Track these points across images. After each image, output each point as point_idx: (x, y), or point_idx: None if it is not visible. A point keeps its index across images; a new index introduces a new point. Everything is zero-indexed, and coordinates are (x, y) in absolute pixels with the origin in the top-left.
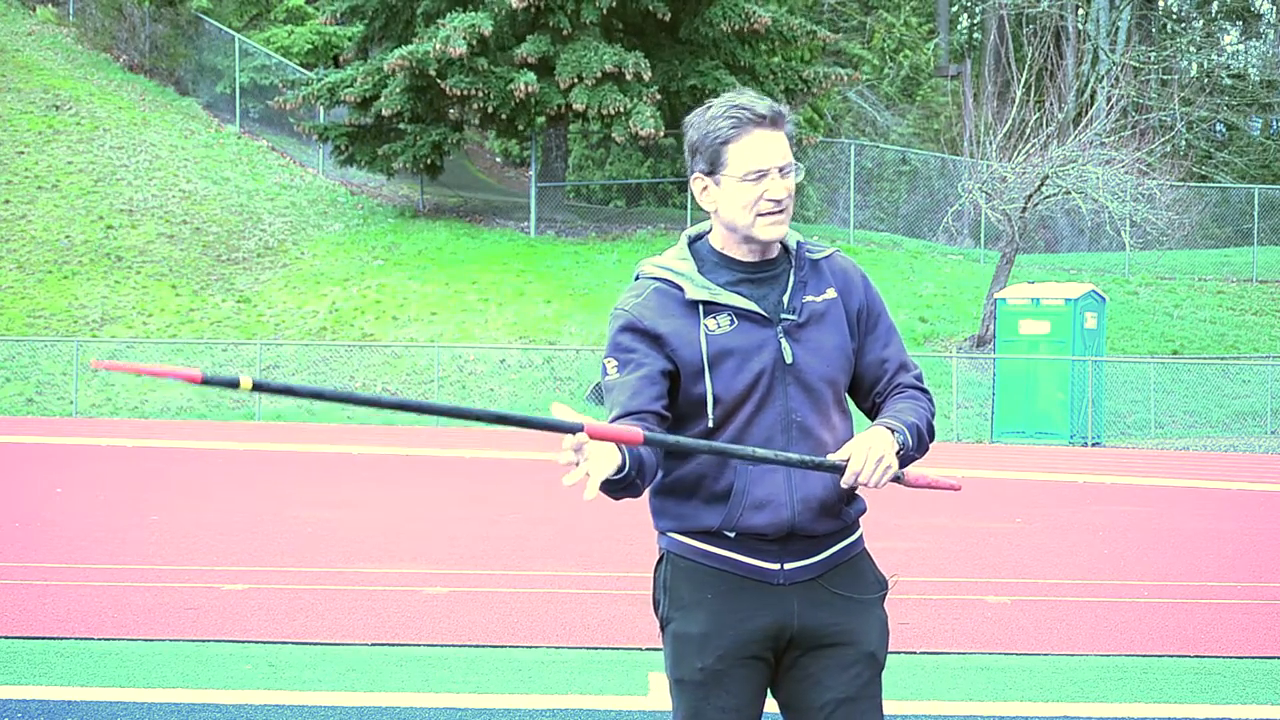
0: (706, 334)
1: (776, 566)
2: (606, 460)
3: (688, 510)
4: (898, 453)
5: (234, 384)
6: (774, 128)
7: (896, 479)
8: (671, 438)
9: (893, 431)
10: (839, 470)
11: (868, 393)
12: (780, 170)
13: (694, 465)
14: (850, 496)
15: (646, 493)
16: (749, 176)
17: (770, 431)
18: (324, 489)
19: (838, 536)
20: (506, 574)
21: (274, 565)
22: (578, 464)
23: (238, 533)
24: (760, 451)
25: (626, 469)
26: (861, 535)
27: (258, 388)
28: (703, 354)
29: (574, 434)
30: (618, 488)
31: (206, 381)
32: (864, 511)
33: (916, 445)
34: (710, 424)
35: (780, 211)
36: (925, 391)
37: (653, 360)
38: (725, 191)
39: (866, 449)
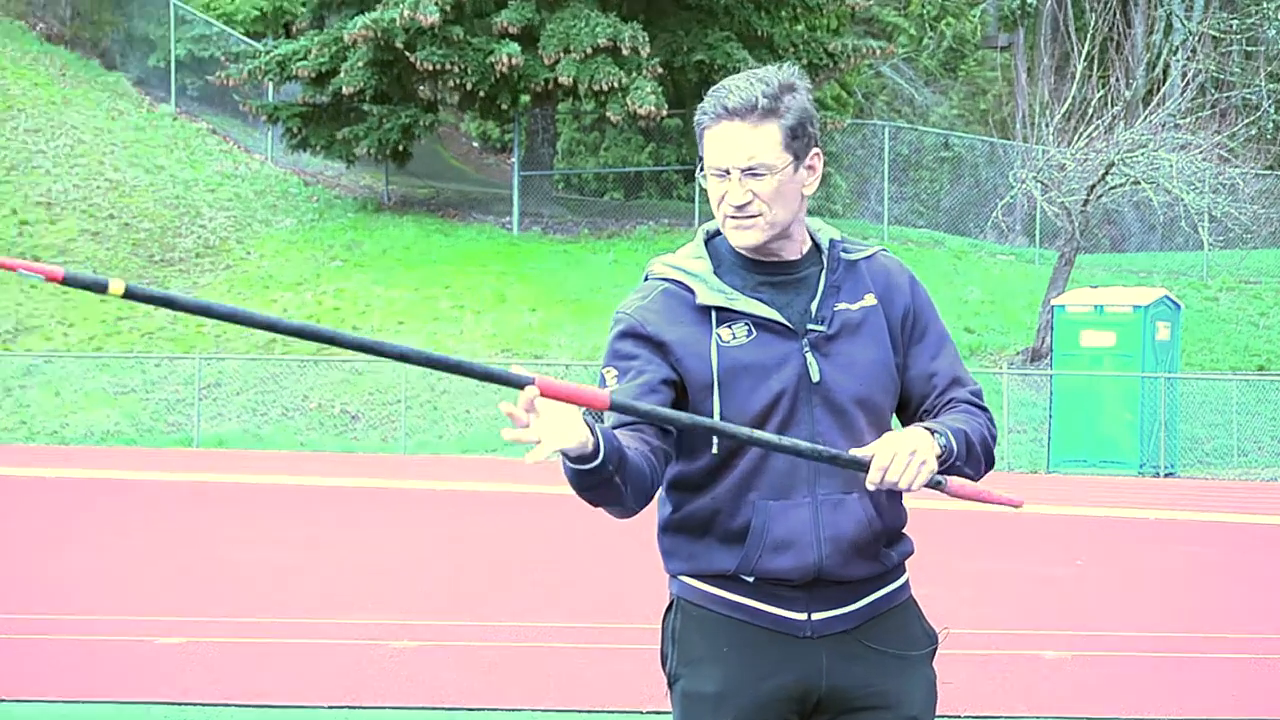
0: (719, 345)
1: (803, 617)
2: (566, 430)
3: (700, 550)
4: (939, 457)
5: (101, 287)
6: (747, 120)
7: (936, 485)
8: (644, 405)
9: (933, 433)
10: (862, 467)
11: (914, 412)
12: (745, 172)
13: (707, 500)
14: (892, 536)
15: (656, 531)
16: (714, 172)
17: (793, 463)
18: (274, 527)
19: (877, 582)
20: (485, 625)
21: (216, 615)
22: (528, 426)
23: (174, 577)
24: (759, 434)
25: (600, 456)
26: (907, 581)
27: (130, 294)
28: (712, 368)
29: (523, 388)
30: (591, 482)
31: (68, 280)
32: (910, 554)
33: (964, 456)
34: (715, 451)
35: (746, 218)
36: (984, 409)
37: (655, 368)
38: (708, 184)
39: (896, 443)
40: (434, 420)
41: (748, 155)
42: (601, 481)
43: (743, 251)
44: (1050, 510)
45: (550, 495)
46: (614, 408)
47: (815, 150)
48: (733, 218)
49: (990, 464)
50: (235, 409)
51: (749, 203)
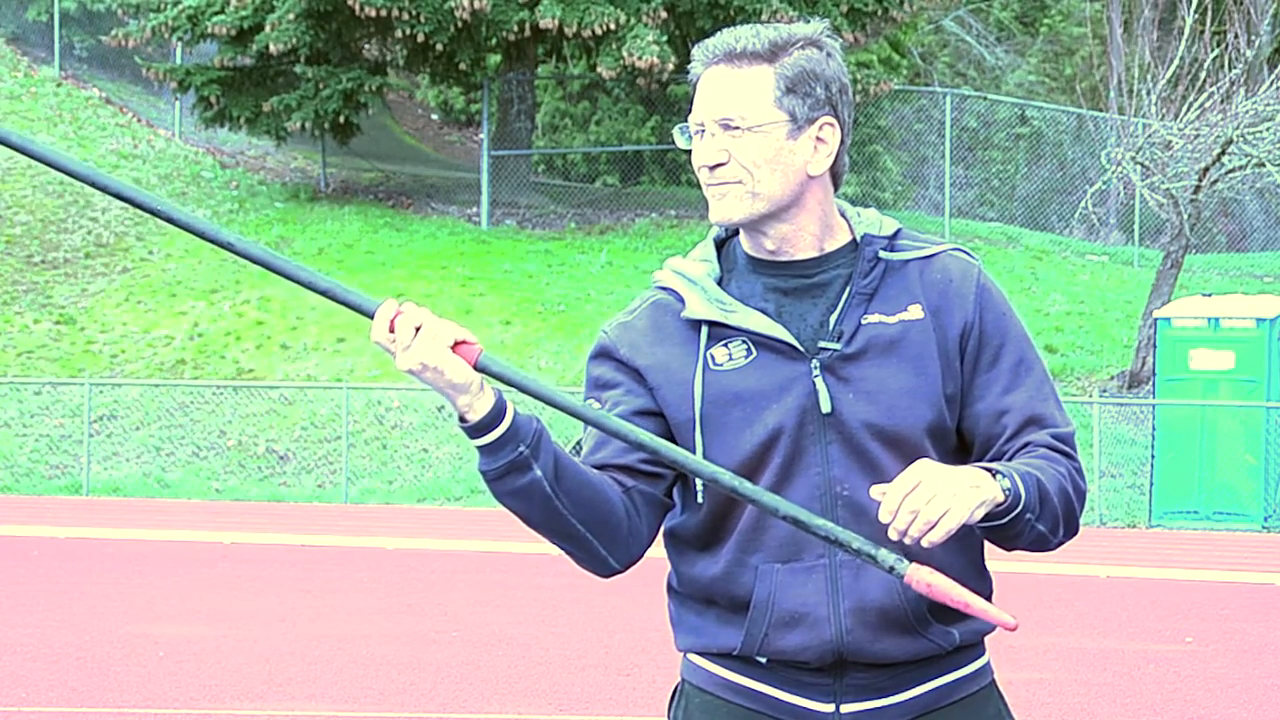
0: (706, 369)
1: (828, 708)
2: (448, 356)
3: (706, 624)
4: (1002, 507)
5: None
6: (732, 64)
7: (891, 570)
8: (521, 375)
9: (994, 474)
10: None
11: (977, 459)
12: (720, 124)
13: (707, 561)
14: (950, 608)
15: (666, 598)
16: (694, 130)
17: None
18: (183, 594)
19: (932, 667)
20: (446, 717)
21: (110, 703)
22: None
23: (60, 657)
24: (725, 476)
25: (505, 423)
26: (986, 667)
27: None
28: (694, 398)
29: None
30: (501, 468)
31: None
32: (988, 631)
33: (1037, 508)
34: (700, 500)
35: (718, 184)
36: (1069, 456)
37: (633, 398)
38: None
39: (918, 474)
40: (383, 462)
41: (724, 103)
42: (514, 469)
43: (744, 244)
44: (1153, 574)
45: (533, 556)
46: (478, 369)
47: (827, 119)
48: (710, 186)
49: (1072, 528)
50: (134, 448)
51: (723, 164)
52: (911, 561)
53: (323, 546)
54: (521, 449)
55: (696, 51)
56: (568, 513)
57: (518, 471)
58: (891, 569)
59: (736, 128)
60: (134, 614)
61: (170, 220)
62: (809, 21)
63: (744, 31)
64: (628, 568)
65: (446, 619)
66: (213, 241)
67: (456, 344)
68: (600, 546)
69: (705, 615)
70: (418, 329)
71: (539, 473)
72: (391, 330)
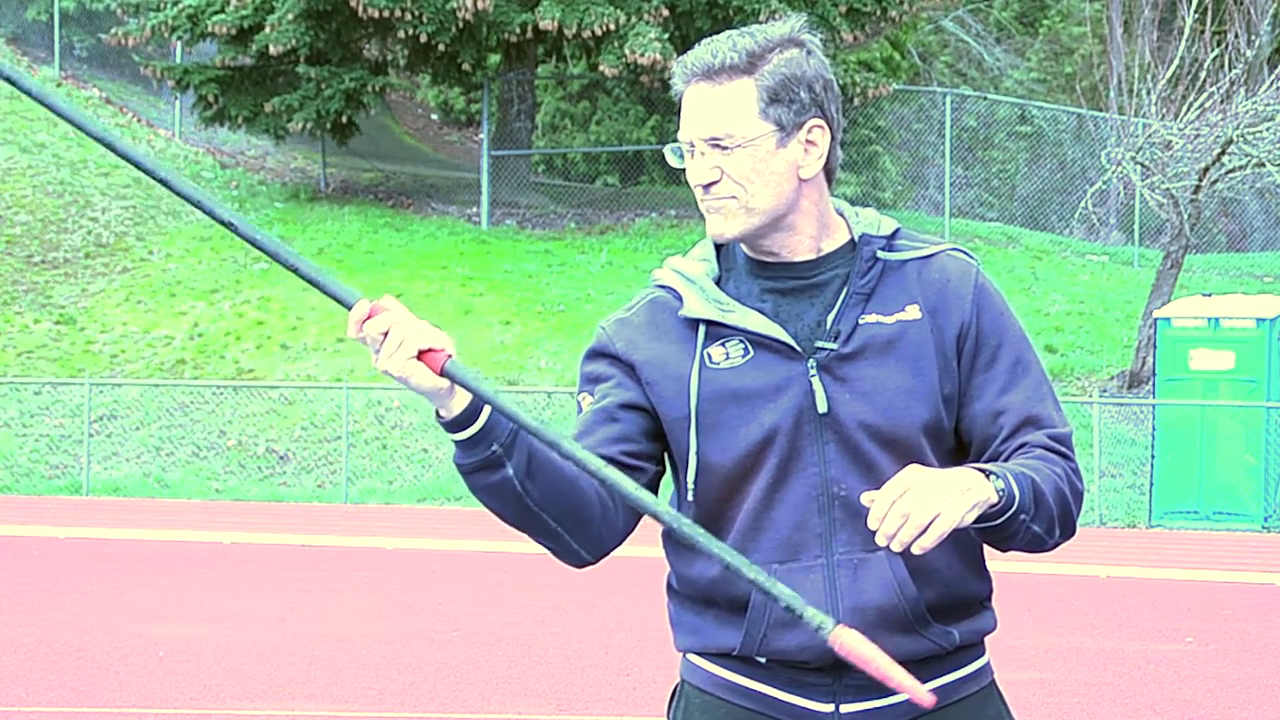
0: (703, 367)
1: (828, 708)
2: (414, 363)
3: (705, 624)
4: (996, 508)
5: None
6: (714, 80)
7: (819, 629)
8: (482, 386)
9: (987, 474)
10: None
11: (974, 460)
12: (709, 143)
13: (704, 561)
14: (949, 608)
15: (665, 598)
16: (686, 149)
17: (800, 514)
18: (182, 594)
19: (932, 667)
20: (446, 717)
21: (110, 703)
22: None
23: (60, 657)
24: (666, 515)
25: (479, 424)
26: (986, 667)
27: None
28: (689, 396)
29: (354, 307)
30: (472, 464)
31: None
32: (988, 631)
33: (1031, 509)
34: (692, 499)
35: (715, 200)
36: (1066, 457)
37: (621, 391)
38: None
39: (905, 481)
40: (383, 462)
41: (710, 122)
42: (485, 467)
43: (743, 249)
44: (1153, 574)
45: (533, 556)
46: (444, 374)
47: (815, 121)
48: (705, 202)
49: (1069, 529)
50: (134, 448)
51: (715, 181)
52: (907, 557)
53: (323, 546)
54: (494, 448)
55: (676, 68)
56: (538, 509)
57: (489, 469)
58: (818, 629)
59: (725, 146)
60: (134, 614)
61: (172, 188)
62: (786, 18)
63: (721, 44)
64: (600, 559)
65: (446, 619)
66: (213, 217)
67: (423, 352)
68: (572, 540)
69: (704, 615)
70: (385, 334)
71: (510, 471)
72: (361, 331)
